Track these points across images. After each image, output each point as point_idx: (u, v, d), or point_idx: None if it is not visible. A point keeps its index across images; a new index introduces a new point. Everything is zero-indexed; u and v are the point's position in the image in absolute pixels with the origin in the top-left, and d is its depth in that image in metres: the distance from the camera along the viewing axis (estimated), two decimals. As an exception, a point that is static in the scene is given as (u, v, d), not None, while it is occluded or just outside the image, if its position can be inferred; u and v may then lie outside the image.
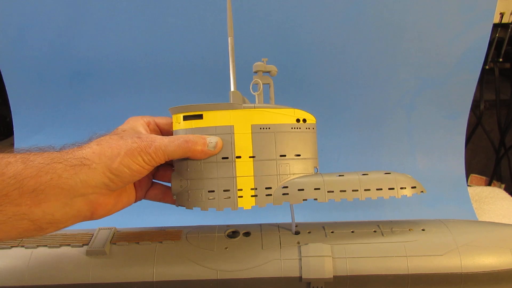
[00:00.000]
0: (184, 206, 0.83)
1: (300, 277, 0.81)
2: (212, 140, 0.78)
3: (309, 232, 0.88)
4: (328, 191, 0.84)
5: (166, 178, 0.88)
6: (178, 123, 0.81)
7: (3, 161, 0.65)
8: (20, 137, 1.45)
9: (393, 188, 0.86)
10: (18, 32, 1.31)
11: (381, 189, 0.85)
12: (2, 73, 1.37)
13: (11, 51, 1.34)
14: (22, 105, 1.42)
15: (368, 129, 1.44)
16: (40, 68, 1.36)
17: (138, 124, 0.82)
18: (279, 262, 0.82)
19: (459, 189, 1.43)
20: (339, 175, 0.86)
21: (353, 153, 1.45)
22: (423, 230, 0.89)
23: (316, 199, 0.84)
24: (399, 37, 1.31)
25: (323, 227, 0.90)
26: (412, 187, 0.87)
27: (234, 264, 0.83)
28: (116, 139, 0.73)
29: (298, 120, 0.83)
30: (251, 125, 0.80)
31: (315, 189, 0.83)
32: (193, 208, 0.83)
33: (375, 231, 0.89)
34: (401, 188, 0.86)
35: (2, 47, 1.34)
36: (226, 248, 0.85)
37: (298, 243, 0.86)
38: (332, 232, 0.88)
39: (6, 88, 1.39)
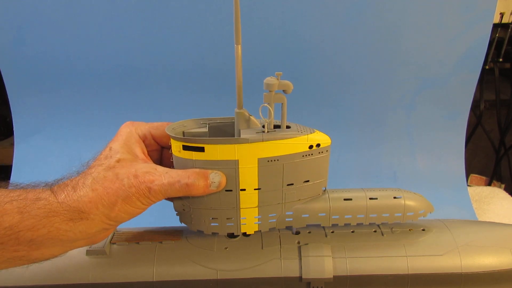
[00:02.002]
0: (187, 225, 0.83)
1: (300, 277, 0.81)
2: (215, 179, 0.74)
3: (309, 232, 0.88)
4: (333, 217, 0.84)
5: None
6: (178, 151, 0.76)
7: None
8: (20, 137, 1.46)
9: (400, 214, 0.86)
10: (18, 32, 1.31)
11: (388, 214, 0.85)
12: (2, 73, 1.37)
13: (11, 51, 1.34)
14: (22, 105, 1.42)
15: (369, 129, 1.44)
16: (40, 68, 1.36)
17: (133, 141, 0.77)
18: (279, 262, 0.82)
19: (459, 189, 1.44)
20: (346, 199, 0.85)
21: (354, 153, 1.45)
22: (423, 230, 0.89)
23: (320, 223, 0.85)
24: (399, 37, 1.31)
25: (323, 227, 0.89)
26: (420, 212, 0.87)
27: (234, 264, 0.83)
28: (112, 180, 0.69)
29: (311, 147, 0.77)
30: (258, 158, 0.75)
31: (320, 214, 0.84)
32: (196, 230, 0.83)
33: (375, 231, 0.88)
34: (409, 213, 0.86)
35: (2, 47, 1.34)
36: (226, 248, 0.85)
37: (298, 243, 0.85)
38: (332, 232, 0.88)
39: (6, 88, 1.39)
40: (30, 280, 0.81)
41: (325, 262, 0.81)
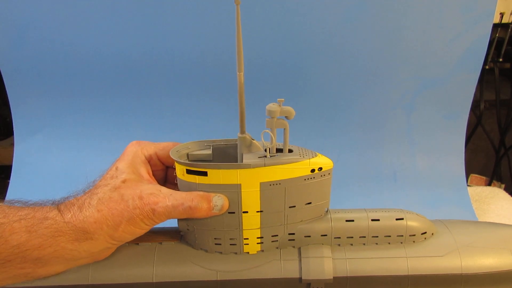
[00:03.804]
0: (191, 245, 0.85)
1: (300, 278, 0.81)
2: (218, 203, 0.76)
3: (309, 233, 0.88)
4: (335, 237, 0.85)
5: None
6: (182, 174, 0.77)
7: (8, 228, 0.64)
8: (20, 137, 1.46)
9: (401, 236, 0.86)
10: (18, 32, 1.31)
11: (389, 236, 0.86)
12: (2, 73, 1.37)
13: (11, 51, 1.34)
14: (22, 105, 1.42)
15: (368, 129, 1.44)
16: (40, 68, 1.36)
17: (139, 161, 0.79)
18: (279, 263, 0.82)
19: (459, 189, 1.43)
20: (348, 220, 0.85)
21: (353, 153, 1.45)
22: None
23: (322, 244, 0.85)
24: (399, 37, 1.31)
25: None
26: (422, 233, 0.87)
27: (233, 265, 0.83)
28: (117, 201, 0.71)
29: (313, 170, 0.78)
30: (260, 182, 0.76)
31: (322, 235, 0.84)
32: (200, 249, 0.84)
33: (375, 232, 0.89)
34: (411, 235, 0.86)
35: (2, 47, 1.34)
36: (226, 249, 0.85)
37: (298, 244, 0.86)
38: (332, 233, 0.88)
39: (6, 88, 1.39)
40: (30, 281, 0.81)
41: (325, 263, 0.81)
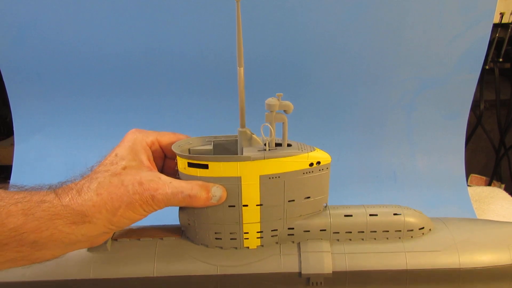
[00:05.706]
0: (191, 240, 0.86)
1: (300, 273, 0.82)
2: (216, 193, 0.77)
3: (308, 229, 0.89)
4: (334, 232, 0.85)
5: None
6: (184, 168, 0.78)
7: (4, 211, 0.64)
8: (20, 137, 1.46)
9: (400, 231, 0.87)
10: (18, 32, 1.31)
11: (388, 231, 0.86)
12: (2, 73, 1.37)
13: (11, 51, 1.34)
14: (22, 105, 1.42)
15: (368, 129, 1.44)
16: (40, 68, 1.36)
17: (140, 148, 0.79)
18: (279, 257, 0.83)
19: (459, 189, 1.43)
20: (347, 215, 0.86)
21: (353, 153, 1.45)
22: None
23: (321, 239, 0.86)
24: (399, 37, 1.31)
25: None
26: (420, 229, 0.87)
27: (234, 260, 0.83)
28: (117, 186, 0.71)
29: (311, 164, 0.79)
30: (260, 175, 0.77)
31: (321, 230, 0.85)
32: (200, 244, 0.85)
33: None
34: (408, 230, 0.87)
35: (2, 47, 1.34)
36: (226, 244, 0.85)
37: (298, 239, 0.86)
38: (331, 228, 0.89)
39: (6, 88, 1.39)
40: (32, 276, 0.82)
41: (324, 258, 0.82)
